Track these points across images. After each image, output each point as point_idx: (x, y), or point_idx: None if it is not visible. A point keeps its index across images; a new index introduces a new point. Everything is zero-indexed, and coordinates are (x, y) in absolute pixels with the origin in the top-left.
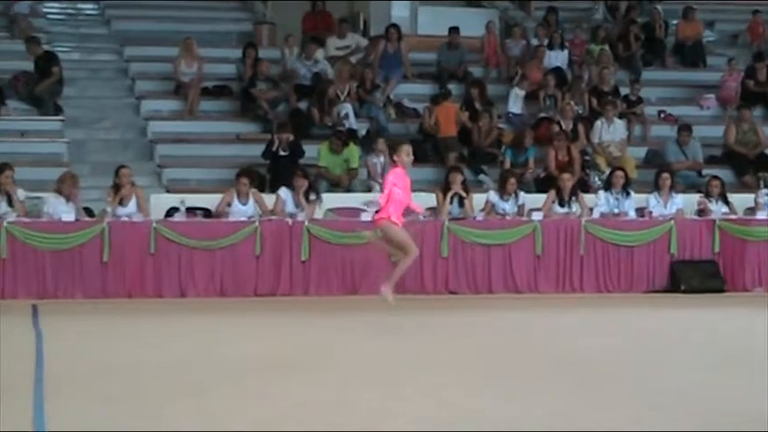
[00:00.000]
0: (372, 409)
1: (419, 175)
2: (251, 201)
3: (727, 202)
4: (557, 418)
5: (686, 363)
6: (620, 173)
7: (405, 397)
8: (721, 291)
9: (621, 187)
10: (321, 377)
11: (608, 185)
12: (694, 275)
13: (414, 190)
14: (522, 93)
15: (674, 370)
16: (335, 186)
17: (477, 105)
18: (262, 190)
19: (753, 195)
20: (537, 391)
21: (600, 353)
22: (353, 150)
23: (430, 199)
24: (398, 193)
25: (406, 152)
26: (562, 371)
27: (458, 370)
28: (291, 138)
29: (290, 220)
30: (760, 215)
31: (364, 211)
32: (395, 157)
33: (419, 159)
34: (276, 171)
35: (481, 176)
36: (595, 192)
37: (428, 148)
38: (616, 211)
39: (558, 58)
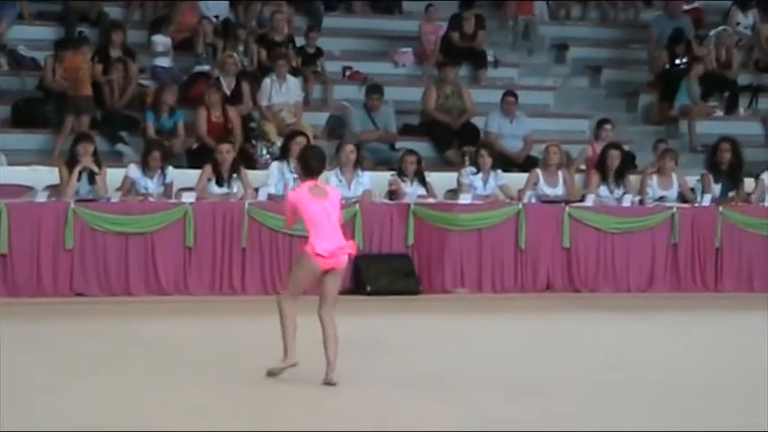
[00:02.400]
0: None
1: (36, 143)
2: None
3: (424, 183)
4: None
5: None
6: (298, 141)
7: None
8: (416, 293)
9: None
10: None
11: (283, 158)
12: (383, 274)
13: (29, 163)
14: (166, 40)
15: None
16: None
17: (114, 55)
18: None
19: (456, 174)
20: None
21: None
22: None
23: (52, 175)
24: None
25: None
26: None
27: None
28: None
29: None
30: (464, 199)
31: None
32: None
33: (37, 124)
34: None
35: (120, 146)
36: (263, 167)
37: (50, 111)
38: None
39: None
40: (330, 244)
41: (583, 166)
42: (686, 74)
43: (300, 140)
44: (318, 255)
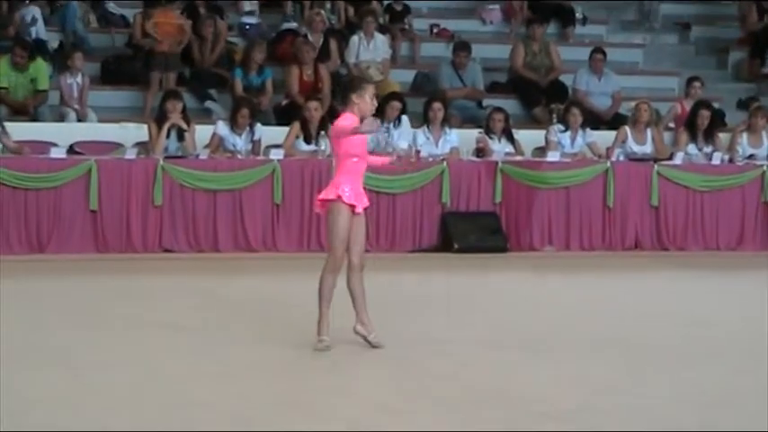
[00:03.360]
0: None
1: (125, 101)
2: None
3: (512, 140)
4: None
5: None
6: (393, 105)
7: None
8: (503, 250)
9: (396, 118)
10: None
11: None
12: (470, 231)
13: (118, 120)
14: None
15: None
16: (19, 113)
17: (203, 12)
18: None
19: (543, 132)
20: None
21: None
22: (42, 67)
23: (142, 132)
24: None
25: (371, 95)
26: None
27: None
28: None
29: None
30: (551, 156)
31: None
32: (355, 99)
33: (126, 81)
34: None
35: (208, 103)
36: None
37: (138, 67)
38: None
39: None
40: None
41: (671, 124)
42: None
43: (395, 105)
44: None
